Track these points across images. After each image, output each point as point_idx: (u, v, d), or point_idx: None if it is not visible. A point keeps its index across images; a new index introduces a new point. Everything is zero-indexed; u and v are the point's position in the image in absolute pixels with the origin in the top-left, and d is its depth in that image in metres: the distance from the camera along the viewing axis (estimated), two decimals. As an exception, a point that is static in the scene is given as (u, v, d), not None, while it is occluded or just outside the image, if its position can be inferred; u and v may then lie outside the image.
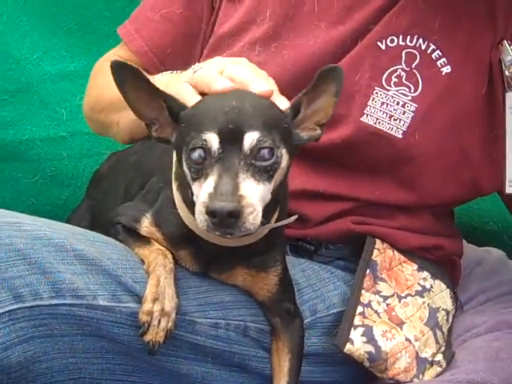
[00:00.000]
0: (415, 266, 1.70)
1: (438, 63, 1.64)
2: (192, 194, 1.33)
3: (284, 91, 1.40)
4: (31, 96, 2.32)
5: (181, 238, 1.46)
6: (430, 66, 1.64)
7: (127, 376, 1.47)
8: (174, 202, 1.44)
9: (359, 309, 1.59)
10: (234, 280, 1.50)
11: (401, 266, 1.68)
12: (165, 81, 1.53)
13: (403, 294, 1.65)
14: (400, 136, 1.63)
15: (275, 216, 1.41)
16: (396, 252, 1.69)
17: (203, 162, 1.28)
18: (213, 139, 1.28)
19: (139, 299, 1.41)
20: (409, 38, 1.64)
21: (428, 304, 1.67)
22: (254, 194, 1.26)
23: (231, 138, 1.27)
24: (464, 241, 1.89)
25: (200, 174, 1.29)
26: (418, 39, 1.64)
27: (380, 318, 1.60)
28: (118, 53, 1.88)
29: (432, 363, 1.60)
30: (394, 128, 1.63)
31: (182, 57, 1.77)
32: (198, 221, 1.27)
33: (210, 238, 1.41)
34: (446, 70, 1.64)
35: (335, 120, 1.62)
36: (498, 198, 1.87)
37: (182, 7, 1.82)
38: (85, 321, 1.39)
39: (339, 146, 1.64)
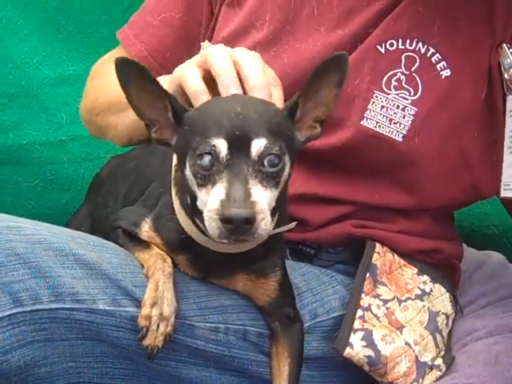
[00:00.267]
0: (415, 270, 1.70)
1: (438, 67, 1.64)
2: (194, 200, 1.33)
3: (284, 95, 1.40)
4: (31, 100, 2.33)
5: (179, 244, 1.45)
6: (429, 69, 1.64)
7: (127, 380, 1.47)
8: (173, 208, 1.44)
9: (359, 312, 1.59)
10: (233, 286, 1.50)
11: (401, 270, 1.68)
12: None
13: (403, 298, 1.65)
14: (400, 139, 1.63)
15: (275, 221, 1.41)
16: (396, 256, 1.68)
17: (211, 167, 1.27)
18: (221, 145, 1.27)
19: (139, 303, 1.41)
20: (408, 41, 1.64)
21: (428, 308, 1.67)
22: (264, 200, 1.27)
23: (239, 144, 1.27)
24: (464, 244, 1.89)
25: (207, 180, 1.28)
26: (417, 43, 1.64)
27: (380, 321, 1.60)
28: (115, 55, 1.88)
29: (432, 367, 1.60)
30: (394, 131, 1.63)
31: (181, 61, 1.77)
32: (210, 228, 1.26)
33: (209, 245, 1.41)
34: (446, 73, 1.64)
35: (335, 124, 1.63)
36: (498, 202, 1.87)
37: (181, 12, 1.82)
38: (85, 325, 1.39)
39: (339, 150, 1.64)
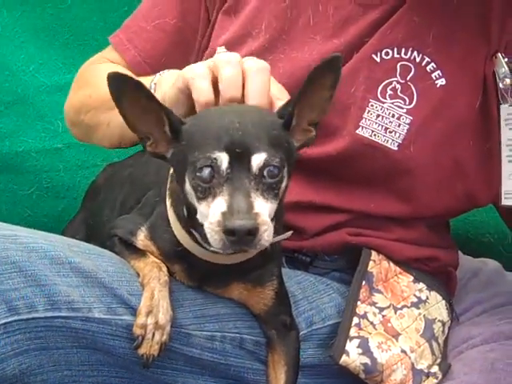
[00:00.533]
0: (411, 278, 1.70)
1: (433, 75, 1.64)
2: (193, 213, 1.32)
3: None
4: (27, 108, 2.32)
5: (174, 255, 1.45)
6: (424, 78, 1.64)
7: (123, 388, 1.47)
8: (168, 220, 1.43)
9: (355, 320, 1.59)
10: (229, 294, 1.50)
11: (396, 278, 1.68)
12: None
13: (399, 306, 1.65)
14: (395, 148, 1.63)
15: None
16: (392, 263, 1.68)
17: (211, 180, 1.27)
18: (223, 158, 1.26)
19: (135, 312, 1.40)
20: (403, 50, 1.64)
21: (424, 315, 1.67)
22: (266, 211, 1.27)
23: (239, 157, 1.26)
24: (460, 252, 1.88)
25: (207, 193, 1.27)
26: (412, 52, 1.64)
27: (376, 329, 1.60)
28: (106, 56, 1.88)
29: (428, 375, 1.60)
30: (390, 140, 1.63)
31: (176, 67, 1.77)
32: (212, 240, 1.26)
33: (205, 256, 1.41)
34: (441, 82, 1.65)
35: (330, 132, 1.63)
36: (494, 210, 1.87)
37: (176, 18, 1.81)
38: (80, 333, 1.39)
39: (335, 159, 1.64)
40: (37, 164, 2.32)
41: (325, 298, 1.66)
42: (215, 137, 1.28)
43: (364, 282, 1.63)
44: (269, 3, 1.72)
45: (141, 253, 1.48)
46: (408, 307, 1.66)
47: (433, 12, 1.65)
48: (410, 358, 1.59)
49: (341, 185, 1.67)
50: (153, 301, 1.39)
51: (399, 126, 1.63)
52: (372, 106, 1.64)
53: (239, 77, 1.35)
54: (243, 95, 1.36)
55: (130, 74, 1.73)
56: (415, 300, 1.67)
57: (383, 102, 1.63)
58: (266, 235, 1.25)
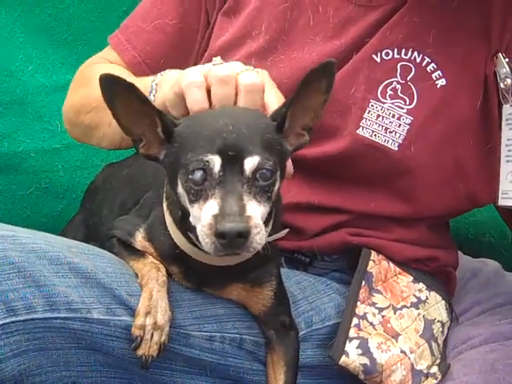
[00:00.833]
0: (410, 278, 1.70)
1: (433, 76, 1.64)
2: (186, 215, 1.32)
3: None
4: (26, 108, 2.32)
5: (172, 256, 1.45)
6: (425, 78, 1.64)
7: (122, 389, 1.47)
8: (165, 222, 1.43)
9: (354, 321, 1.59)
10: (228, 295, 1.50)
11: (396, 278, 1.68)
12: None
13: (399, 306, 1.65)
14: (396, 148, 1.63)
15: (268, 230, 1.41)
16: (391, 264, 1.68)
17: (203, 182, 1.27)
18: (215, 161, 1.26)
19: (134, 312, 1.40)
20: (404, 50, 1.64)
21: (423, 316, 1.67)
22: (258, 214, 1.27)
23: (232, 159, 1.26)
24: (460, 252, 1.89)
25: (199, 195, 1.27)
26: (412, 52, 1.64)
27: (375, 329, 1.60)
28: (105, 56, 1.87)
29: (427, 375, 1.60)
30: (390, 140, 1.63)
31: (175, 69, 1.77)
32: (204, 243, 1.26)
33: (202, 258, 1.41)
34: (441, 82, 1.65)
35: (331, 133, 1.63)
36: (494, 210, 1.87)
37: (175, 19, 1.81)
38: (79, 334, 1.39)
39: (335, 159, 1.64)
40: (36, 164, 2.32)
41: (324, 299, 1.66)
42: (208, 139, 1.28)
43: (364, 283, 1.63)
44: (269, 4, 1.72)
45: (139, 253, 1.48)
46: (407, 307, 1.66)
47: (433, 12, 1.65)
48: (409, 358, 1.59)
49: (341, 185, 1.67)
50: (151, 301, 1.39)
51: (399, 126, 1.63)
52: (372, 106, 1.64)
53: (231, 95, 1.36)
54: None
55: (130, 74, 1.73)
56: (415, 300, 1.67)
57: (383, 103, 1.63)
58: (259, 238, 1.25)
